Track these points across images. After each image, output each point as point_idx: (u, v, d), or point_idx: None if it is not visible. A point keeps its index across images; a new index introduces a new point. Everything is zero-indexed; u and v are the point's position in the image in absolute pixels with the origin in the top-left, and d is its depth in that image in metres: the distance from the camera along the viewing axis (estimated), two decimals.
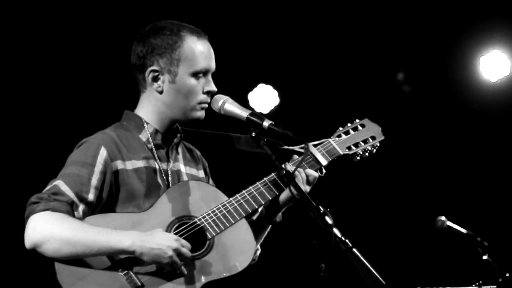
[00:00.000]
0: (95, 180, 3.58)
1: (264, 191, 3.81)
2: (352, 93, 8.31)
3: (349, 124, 4.18)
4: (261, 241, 4.01)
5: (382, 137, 4.14)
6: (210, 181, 4.09)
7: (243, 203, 3.76)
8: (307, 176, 3.86)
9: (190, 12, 7.21)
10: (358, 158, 4.09)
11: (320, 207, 3.46)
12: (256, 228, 3.91)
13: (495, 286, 5.57)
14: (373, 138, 4.13)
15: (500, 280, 5.64)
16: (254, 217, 3.99)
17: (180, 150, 3.94)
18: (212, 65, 3.83)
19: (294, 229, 4.12)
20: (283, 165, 3.74)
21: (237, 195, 3.77)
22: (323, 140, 4.04)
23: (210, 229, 3.66)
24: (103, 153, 3.63)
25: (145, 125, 3.80)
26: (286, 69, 8.19)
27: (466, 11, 7.90)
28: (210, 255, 3.63)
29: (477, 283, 5.54)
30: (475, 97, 8.20)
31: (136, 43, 3.83)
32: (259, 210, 3.95)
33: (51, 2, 6.97)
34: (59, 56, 7.14)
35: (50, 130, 7.10)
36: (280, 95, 8.30)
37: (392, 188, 8.33)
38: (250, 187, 3.81)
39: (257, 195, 3.79)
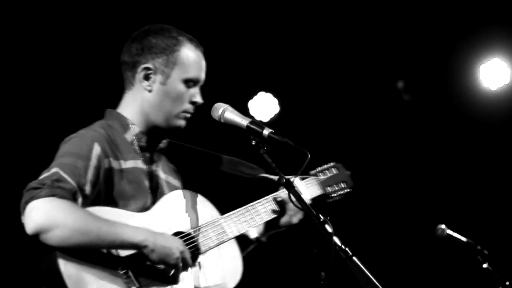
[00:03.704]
0: (90, 174, 3.49)
1: (260, 212, 3.88)
2: (352, 102, 8.32)
3: (325, 166, 4.31)
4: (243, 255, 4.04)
5: (353, 184, 4.34)
6: None
7: (239, 222, 3.80)
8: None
9: (191, 21, 7.22)
10: (330, 200, 4.28)
11: (320, 215, 3.47)
12: (242, 244, 3.93)
13: None
14: (345, 182, 4.33)
15: None
16: (250, 233, 4.02)
17: (162, 157, 3.91)
18: (203, 77, 3.83)
19: (294, 237, 4.12)
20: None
21: (231, 213, 3.81)
22: (307, 176, 4.20)
23: (204, 242, 3.68)
24: (97, 148, 3.56)
25: (130, 125, 3.76)
26: (286, 77, 8.20)
27: (466, 20, 7.91)
28: (201, 269, 3.65)
29: None
30: (475, 105, 8.20)
31: (131, 40, 3.81)
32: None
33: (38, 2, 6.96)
34: (41, 54, 7.12)
35: (28, 128, 7.09)
36: (280, 103, 8.31)
37: (392, 196, 8.33)
38: (248, 206, 3.85)
39: (254, 216, 3.85)
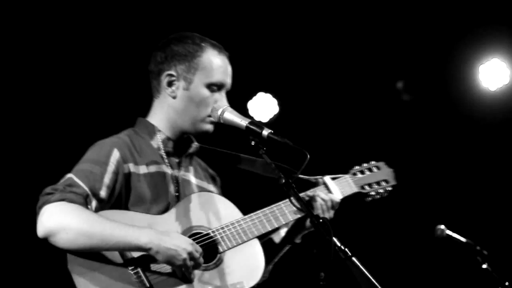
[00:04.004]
0: (107, 178, 3.60)
1: (285, 212, 3.85)
2: (351, 102, 8.32)
3: (365, 164, 4.31)
4: (276, 260, 4.07)
5: (395, 182, 4.34)
6: None
7: (258, 223, 3.78)
8: (331, 200, 3.94)
9: (190, 22, 7.22)
10: (370, 199, 4.27)
11: (320, 216, 3.47)
12: (276, 247, 3.99)
13: None
14: (386, 181, 4.32)
15: None
16: (275, 237, 4.01)
17: (193, 161, 3.96)
18: (228, 81, 3.88)
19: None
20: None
21: (252, 214, 3.80)
22: (340, 175, 4.15)
23: (222, 243, 3.68)
24: (116, 154, 3.65)
25: (156, 132, 3.83)
26: (285, 77, 8.20)
27: (466, 20, 7.91)
28: (218, 268, 3.64)
29: None
30: (474, 105, 8.20)
31: (156, 49, 3.89)
32: (281, 230, 3.99)
33: (74, 13, 7.05)
34: (78, 63, 7.22)
35: (65, 135, 7.13)
36: (279, 104, 8.30)
37: (391, 197, 8.31)
38: (266, 209, 3.84)
39: (272, 217, 3.83)
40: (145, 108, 3.96)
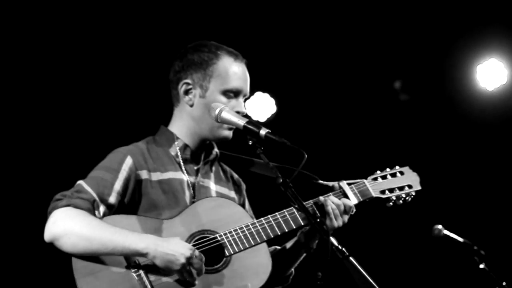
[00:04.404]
0: (118, 185, 3.67)
1: (290, 219, 3.81)
2: (349, 102, 8.32)
3: (388, 169, 4.19)
4: (295, 265, 4.05)
5: (419, 187, 4.23)
6: (247, 204, 4.12)
7: (267, 227, 3.76)
8: (344, 205, 3.88)
9: (189, 21, 7.23)
10: (391, 204, 4.14)
11: (317, 215, 3.46)
12: (292, 254, 3.98)
13: None
14: (410, 186, 4.20)
15: None
16: (289, 245, 4.00)
17: (213, 168, 3.98)
18: (245, 88, 3.89)
19: (291, 237, 4.11)
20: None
21: (262, 219, 3.79)
22: (358, 180, 4.06)
23: (229, 246, 3.68)
24: (128, 161, 3.73)
25: (175, 139, 3.88)
26: (283, 77, 8.19)
27: (463, 20, 7.91)
28: (224, 271, 3.65)
29: None
30: (472, 105, 8.20)
31: (174, 59, 3.94)
32: (298, 237, 3.95)
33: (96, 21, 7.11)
34: (104, 72, 7.28)
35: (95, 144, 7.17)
36: (277, 103, 8.30)
37: None
38: (277, 214, 3.82)
39: (282, 222, 3.79)
40: (169, 116, 4.01)
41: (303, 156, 3.48)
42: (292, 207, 3.80)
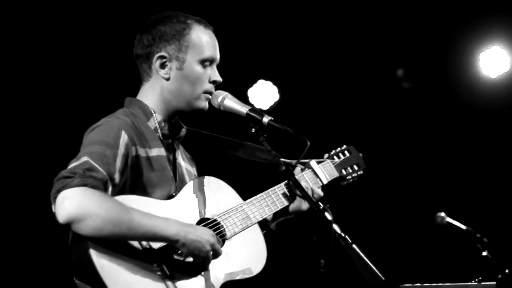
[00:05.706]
0: (119, 162, 3.47)
1: (281, 197, 3.88)
2: (351, 89, 8.32)
3: (338, 149, 4.35)
4: None
5: (365, 166, 4.39)
6: None
7: (260, 208, 3.79)
8: (313, 193, 3.94)
9: (191, 8, 7.20)
10: (345, 183, 4.30)
11: (320, 203, 3.46)
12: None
13: (494, 282, 5.56)
14: (358, 165, 4.36)
15: (500, 276, 5.63)
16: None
17: (180, 145, 3.93)
18: (218, 56, 3.83)
19: (294, 225, 4.12)
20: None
21: (252, 199, 3.80)
22: (323, 159, 4.19)
23: (228, 229, 3.67)
24: (124, 136, 3.54)
25: (153, 113, 3.76)
26: (285, 65, 8.19)
27: (466, 7, 7.89)
28: (227, 255, 3.64)
29: (476, 279, 5.53)
30: (474, 93, 8.20)
31: (141, 33, 3.82)
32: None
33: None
34: (52, 50, 7.21)
35: (43, 124, 7.14)
36: (279, 91, 8.30)
37: (391, 184, 8.33)
38: (263, 193, 3.84)
39: (270, 202, 3.84)
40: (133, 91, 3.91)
41: (306, 143, 3.49)
42: (276, 186, 3.89)
